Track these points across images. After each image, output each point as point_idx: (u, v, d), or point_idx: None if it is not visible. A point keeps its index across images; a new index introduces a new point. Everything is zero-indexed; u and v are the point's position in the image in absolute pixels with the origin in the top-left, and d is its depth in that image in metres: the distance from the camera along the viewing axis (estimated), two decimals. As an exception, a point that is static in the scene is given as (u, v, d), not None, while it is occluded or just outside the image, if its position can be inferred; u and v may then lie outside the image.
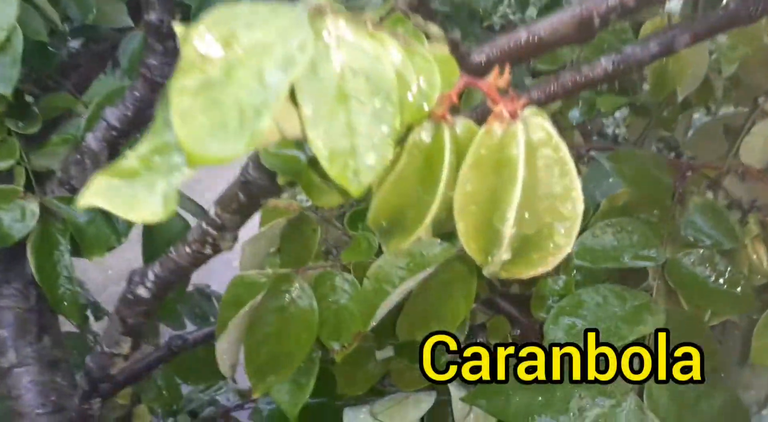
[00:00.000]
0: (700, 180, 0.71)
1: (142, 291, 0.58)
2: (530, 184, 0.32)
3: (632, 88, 0.77)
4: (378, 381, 0.73)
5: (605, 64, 0.43)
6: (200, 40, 0.27)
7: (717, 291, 0.63)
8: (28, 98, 1.01)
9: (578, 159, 0.74)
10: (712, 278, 0.63)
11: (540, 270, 0.34)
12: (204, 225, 0.54)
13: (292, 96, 0.29)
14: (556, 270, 0.72)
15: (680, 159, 0.78)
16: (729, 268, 0.62)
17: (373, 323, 0.60)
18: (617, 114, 2.27)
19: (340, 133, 0.29)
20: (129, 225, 0.95)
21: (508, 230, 0.33)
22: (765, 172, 0.67)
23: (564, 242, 0.34)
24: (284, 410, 0.66)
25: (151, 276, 0.57)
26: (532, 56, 0.40)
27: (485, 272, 0.35)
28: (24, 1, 0.91)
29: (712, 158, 0.73)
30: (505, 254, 0.34)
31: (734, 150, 0.70)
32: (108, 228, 0.91)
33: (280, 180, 0.36)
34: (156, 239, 0.96)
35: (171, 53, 0.87)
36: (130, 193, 0.30)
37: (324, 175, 0.32)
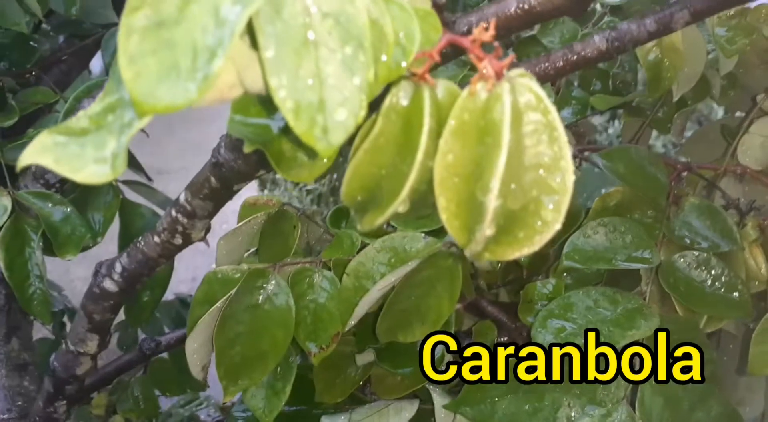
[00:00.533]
0: (696, 181, 0.69)
1: (109, 285, 0.55)
2: (516, 152, 0.30)
3: (626, 87, 0.75)
4: (358, 388, 0.69)
5: (599, 41, 0.41)
6: (149, -30, 0.24)
7: (713, 295, 0.60)
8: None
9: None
10: (708, 282, 0.60)
11: (526, 250, 0.31)
12: (173, 212, 0.51)
13: (256, 45, 0.27)
14: (546, 274, 0.69)
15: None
16: (726, 272, 0.60)
17: (352, 322, 0.57)
18: (611, 130, 2.27)
19: (307, 84, 0.26)
20: (106, 223, 0.92)
21: (492, 202, 0.30)
22: (763, 173, 0.64)
23: (552, 218, 0.31)
24: (259, 417, 0.62)
25: (118, 268, 0.54)
26: (523, 27, 0.38)
27: (467, 252, 0.32)
28: (3, -10, 0.89)
29: (709, 161, 0.71)
30: (488, 230, 0.31)
31: (732, 150, 0.68)
32: (83, 227, 0.88)
33: (246, 148, 0.33)
34: (133, 234, 0.93)
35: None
36: (77, 152, 0.28)
37: (298, 143, 0.29)
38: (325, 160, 0.34)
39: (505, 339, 0.68)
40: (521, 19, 0.37)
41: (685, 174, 0.63)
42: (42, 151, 0.28)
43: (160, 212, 0.94)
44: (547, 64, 0.41)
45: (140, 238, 0.53)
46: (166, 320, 1.32)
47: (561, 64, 0.41)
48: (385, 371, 0.64)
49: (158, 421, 1.30)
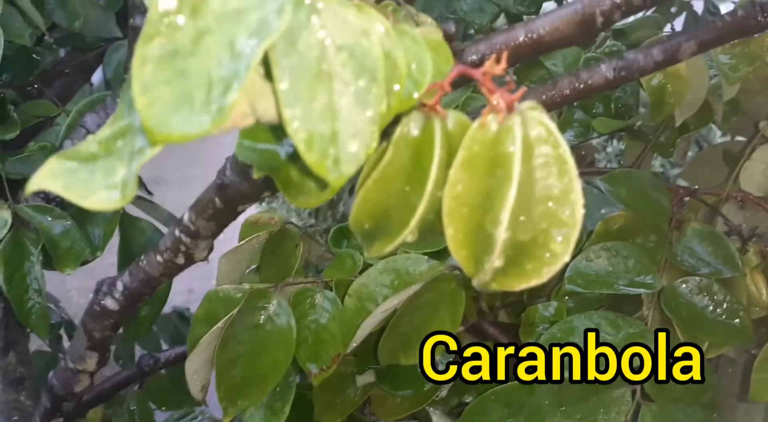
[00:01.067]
0: (699, 206, 0.69)
1: (109, 303, 0.54)
2: (526, 185, 0.30)
3: (628, 111, 0.75)
4: (357, 409, 0.69)
5: (605, 70, 0.41)
6: (165, 1, 0.24)
7: (714, 322, 0.60)
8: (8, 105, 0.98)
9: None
10: (710, 308, 0.60)
11: (534, 281, 0.31)
12: (177, 232, 0.51)
13: (269, 75, 0.27)
14: (547, 297, 0.69)
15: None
16: (727, 298, 0.60)
17: (354, 345, 0.56)
18: (609, 149, 2.27)
19: (320, 115, 0.26)
20: (106, 238, 0.92)
21: (501, 234, 0.30)
22: (765, 199, 0.65)
23: (561, 250, 0.31)
24: (257, 437, 0.62)
25: (120, 287, 0.53)
26: (532, 56, 0.38)
27: (475, 283, 0.32)
28: (7, 2, 0.89)
29: (711, 186, 0.71)
30: (497, 261, 0.31)
31: (734, 176, 0.68)
32: (82, 241, 0.88)
33: (255, 174, 0.33)
34: (133, 250, 0.93)
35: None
36: (86, 178, 0.28)
37: (306, 171, 0.29)
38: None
39: (506, 361, 0.68)
40: (530, 47, 0.37)
41: (687, 199, 0.64)
42: (51, 176, 0.28)
43: (161, 227, 0.94)
44: (553, 93, 0.41)
45: (143, 257, 0.53)
46: (163, 334, 1.31)
47: (568, 91, 0.41)
48: (386, 392, 0.64)
49: (152, 434, 1.29)
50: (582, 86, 0.41)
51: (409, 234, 0.32)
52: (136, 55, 0.26)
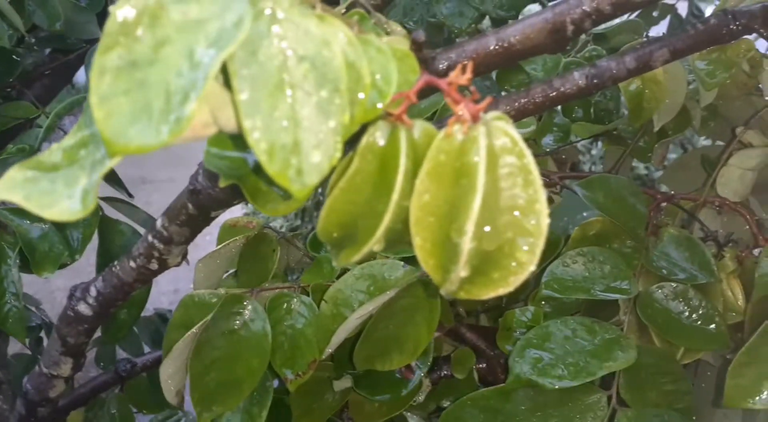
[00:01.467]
0: (676, 211, 0.69)
1: (83, 308, 0.54)
2: (491, 195, 0.30)
3: (608, 115, 0.75)
4: (335, 414, 0.69)
5: (578, 77, 0.41)
6: (124, 11, 0.24)
7: (690, 327, 0.60)
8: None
9: (551, 187, 0.71)
10: (686, 314, 0.60)
11: (501, 290, 0.31)
12: (150, 237, 0.50)
13: (229, 84, 0.26)
14: (524, 302, 0.69)
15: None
16: (703, 304, 0.60)
17: (329, 350, 0.56)
18: (594, 151, 2.28)
19: (281, 126, 0.26)
20: (84, 241, 0.91)
21: (467, 244, 0.30)
22: (742, 205, 0.65)
23: (527, 260, 0.31)
24: (234, 442, 0.61)
25: (93, 292, 0.53)
26: (503, 64, 0.38)
27: (442, 291, 0.32)
28: (-16, 4, 0.88)
29: (691, 190, 0.71)
30: (463, 271, 0.31)
31: (711, 181, 0.68)
32: (61, 244, 0.87)
33: (222, 182, 0.33)
34: (112, 252, 0.92)
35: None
36: (47, 189, 0.27)
37: (270, 181, 0.29)
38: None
39: (484, 365, 0.68)
40: (501, 56, 0.37)
41: (664, 204, 0.64)
42: (11, 187, 0.28)
43: (141, 229, 0.93)
44: (526, 100, 0.41)
45: (116, 263, 0.52)
46: (145, 336, 1.30)
47: (540, 99, 0.41)
48: (363, 397, 0.63)
49: (134, 438, 1.28)
50: (554, 94, 0.41)
51: (376, 243, 0.32)
52: (94, 65, 0.26)
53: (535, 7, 0.97)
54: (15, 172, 0.28)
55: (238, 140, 0.34)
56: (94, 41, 1.06)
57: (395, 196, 0.30)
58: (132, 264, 0.51)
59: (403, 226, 0.32)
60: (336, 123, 0.27)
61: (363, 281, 0.56)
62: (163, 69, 0.25)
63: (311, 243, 0.71)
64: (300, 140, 0.26)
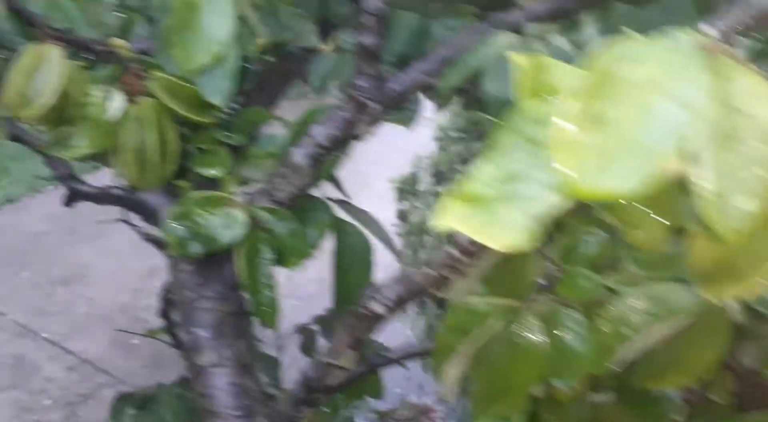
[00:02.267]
0: None
1: (377, 307, 0.59)
2: None
3: None
4: (582, 426, 0.70)
5: None
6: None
7: None
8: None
9: None
10: None
11: None
12: (451, 249, 0.54)
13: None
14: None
15: None
16: None
17: (610, 366, 0.58)
18: None
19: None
20: (319, 236, 0.98)
21: None
22: None
23: None
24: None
25: (391, 294, 0.57)
26: None
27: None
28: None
29: None
30: None
31: None
32: (304, 240, 0.95)
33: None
34: (344, 251, 0.99)
35: (381, 77, 0.89)
36: (489, 220, 0.31)
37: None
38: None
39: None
40: None
41: None
42: (457, 219, 0.31)
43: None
44: None
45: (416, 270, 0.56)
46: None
47: None
48: (621, 413, 0.64)
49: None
50: None
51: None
52: (555, 113, 0.28)
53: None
54: (454, 205, 0.32)
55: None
56: (310, 50, 1.13)
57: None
58: (431, 272, 0.55)
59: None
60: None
61: (647, 302, 0.57)
62: (629, 123, 0.27)
63: (564, 254, 0.72)
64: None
